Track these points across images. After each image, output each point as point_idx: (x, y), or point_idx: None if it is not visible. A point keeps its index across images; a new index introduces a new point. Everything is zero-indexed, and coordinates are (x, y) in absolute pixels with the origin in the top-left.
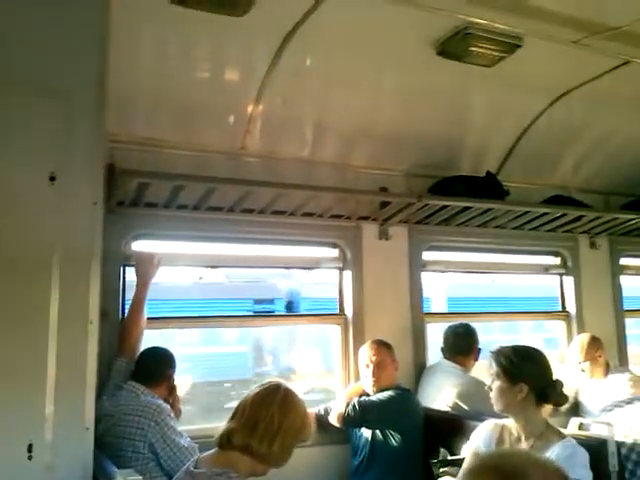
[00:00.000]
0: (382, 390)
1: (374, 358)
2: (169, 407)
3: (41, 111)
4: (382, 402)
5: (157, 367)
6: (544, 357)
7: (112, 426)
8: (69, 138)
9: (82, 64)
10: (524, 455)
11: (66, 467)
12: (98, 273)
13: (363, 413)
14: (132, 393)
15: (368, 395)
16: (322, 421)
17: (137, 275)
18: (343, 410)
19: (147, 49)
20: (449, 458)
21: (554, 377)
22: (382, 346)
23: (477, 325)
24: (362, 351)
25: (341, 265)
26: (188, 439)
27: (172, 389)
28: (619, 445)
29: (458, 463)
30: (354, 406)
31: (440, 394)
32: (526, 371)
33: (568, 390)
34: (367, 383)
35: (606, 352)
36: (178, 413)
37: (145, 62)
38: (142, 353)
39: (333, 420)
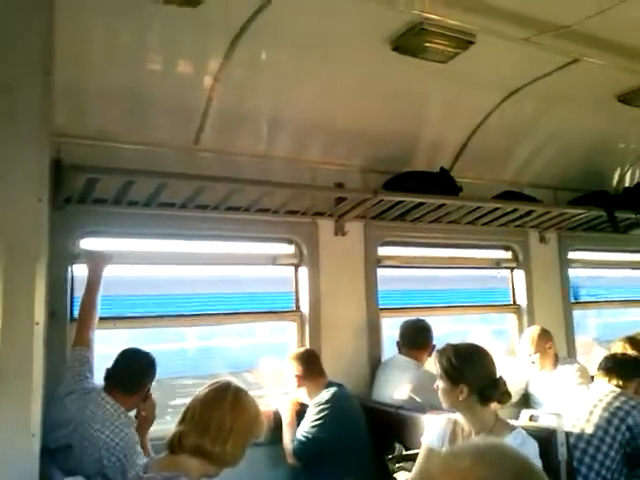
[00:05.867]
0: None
1: (294, 372)
2: (136, 435)
3: None
4: (315, 437)
5: (134, 376)
6: (486, 356)
7: (75, 435)
8: (11, 132)
9: (24, 53)
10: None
11: (9, 476)
12: (44, 273)
13: (308, 453)
14: (101, 408)
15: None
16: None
17: (87, 274)
18: (291, 449)
19: (97, 39)
20: (404, 453)
21: (496, 376)
22: (298, 359)
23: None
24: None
25: (297, 261)
26: (145, 459)
27: (146, 398)
28: (567, 435)
29: (413, 458)
30: (295, 450)
31: (396, 389)
32: (466, 373)
33: (515, 385)
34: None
35: (555, 344)
36: (150, 422)
37: (95, 53)
38: (121, 356)
39: (290, 459)
